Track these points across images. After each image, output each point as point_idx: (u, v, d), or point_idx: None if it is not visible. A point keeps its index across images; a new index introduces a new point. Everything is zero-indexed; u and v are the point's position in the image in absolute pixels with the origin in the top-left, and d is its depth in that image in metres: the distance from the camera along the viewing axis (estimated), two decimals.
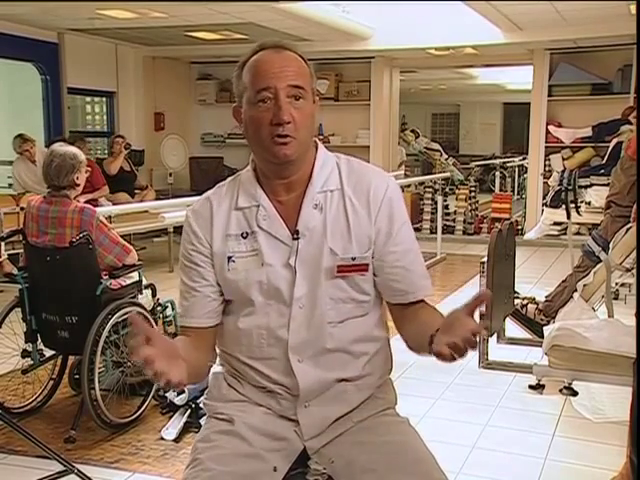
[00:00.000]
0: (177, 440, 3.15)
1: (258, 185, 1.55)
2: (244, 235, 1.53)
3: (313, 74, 1.54)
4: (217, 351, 1.64)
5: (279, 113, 1.44)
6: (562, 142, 8.67)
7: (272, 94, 1.45)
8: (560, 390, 3.57)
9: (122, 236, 3.53)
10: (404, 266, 1.55)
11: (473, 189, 10.12)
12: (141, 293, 3.53)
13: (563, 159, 8.50)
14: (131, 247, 3.42)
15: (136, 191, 7.86)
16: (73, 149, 3.34)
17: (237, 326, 1.55)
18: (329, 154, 1.59)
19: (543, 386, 3.69)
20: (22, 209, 3.34)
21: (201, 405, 3.24)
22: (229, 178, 1.63)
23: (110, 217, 5.43)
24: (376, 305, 1.60)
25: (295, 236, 1.51)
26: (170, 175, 9.49)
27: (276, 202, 1.54)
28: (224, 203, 1.56)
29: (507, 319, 4.09)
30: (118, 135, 8.08)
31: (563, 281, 4.37)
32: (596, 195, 6.98)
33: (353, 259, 1.51)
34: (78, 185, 3.30)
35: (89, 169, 3.48)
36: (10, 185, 7.07)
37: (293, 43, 1.55)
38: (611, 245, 3.80)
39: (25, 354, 3.41)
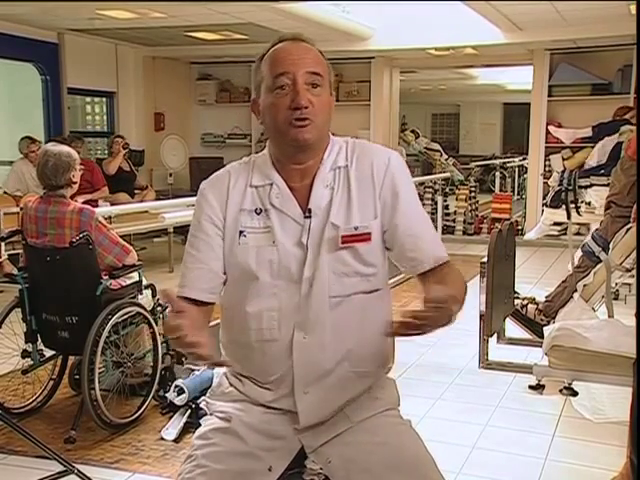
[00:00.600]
0: (177, 440, 3.14)
1: (273, 167, 1.57)
2: (257, 211, 1.55)
3: (330, 68, 1.57)
4: (222, 350, 1.63)
5: (297, 98, 1.46)
6: (562, 142, 8.63)
7: (290, 80, 1.47)
8: (560, 390, 3.57)
9: (122, 236, 3.53)
10: (414, 234, 1.56)
11: (473, 189, 10.12)
12: (141, 293, 3.53)
13: (563, 159, 8.47)
14: (130, 247, 3.42)
15: (136, 191, 7.85)
16: (66, 148, 3.35)
17: (245, 310, 1.54)
18: (339, 139, 1.62)
19: (543, 386, 3.69)
20: (22, 209, 3.34)
21: (201, 405, 3.23)
22: (244, 158, 1.65)
23: (110, 217, 5.44)
24: (385, 284, 1.60)
25: (307, 215, 1.52)
26: (170, 175, 9.49)
27: (289, 187, 1.55)
28: (241, 179, 1.58)
29: (507, 319, 4.09)
30: (117, 135, 8.07)
31: (563, 281, 4.36)
32: (596, 195, 6.97)
33: (355, 228, 1.52)
34: (75, 183, 3.30)
35: (83, 167, 3.48)
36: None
37: (311, 38, 1.57)
38: (611, 245, 3.80)
39: (25, 354, 3.41)
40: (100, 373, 3.24)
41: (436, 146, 15.00)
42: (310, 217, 1.52)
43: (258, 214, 1.54)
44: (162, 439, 3.16)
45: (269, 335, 1.53)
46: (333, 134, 1.60)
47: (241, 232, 1.53)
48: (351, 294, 1.53)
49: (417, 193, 1.65)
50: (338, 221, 1.52)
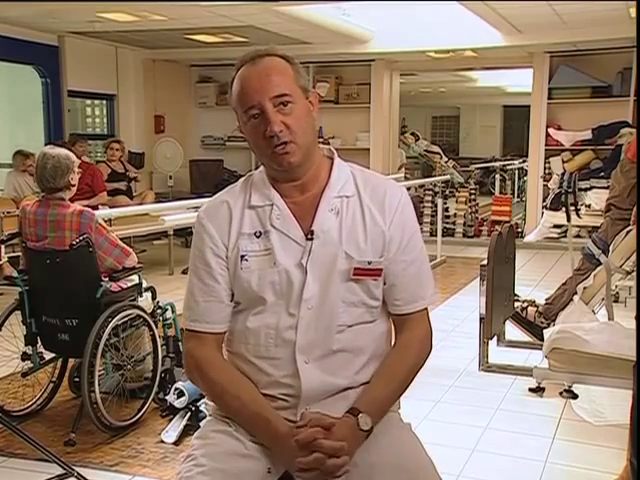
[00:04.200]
0: (177, 443, 3.14)
1: (271, 186, 1.57)
2: (257, 234, 1.55)
3: (299, 71, 1.55)
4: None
5: (269, 126, 1.47)
6: (562, 145, 8.67)
7: (259, 109, 1.48)
8: (560, 393, 3.57)
9: (122, 239, 3.53)
10: (409, 275, 1.58)
11: (473, 192, 10.11)
12: (141, 296, 3.53)
13: (563, 162, 8.50)
14: (130, 249, 3.42)
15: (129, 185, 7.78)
16: (64, 150, 3.34)
17: (246, 325, 1.56)
18: (343, 163, 1.63)
19: (543, 389, 3.68)
20: (20, 213, 3.35)
21: (201, 408, 3.24)
22: (242, 179, 1.65)
23: (110, 220, 5.44)
24: (384, 314, 1.62)
25: (309, 237, 1.53)
26: (170, 178, 9.49)
27: (290, 203, 1.56)
28: (238, 202, 1.58)
29: (507, 322, 4.09)
30: (115, 140, 7.94)
31: (563, 284, 4.36)
32: (596, 198, 6.98)
33: (369, 263, 1.53)
34: (73, 186, 3.29)
35: (81, 170, 3.48)
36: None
37: (273, 47, 1.56)
38: (611, 248, 3.80)
39: (25, 357, 3.41)
40: (100, 376, 3.23)
41: (436, 148, 15.04)
42: (312, 239, 1.53)
43: (258, 237, 1.54)
44: (162, 442, 3.16)
45: (265, 352, 1.54)
46: (325, 143, 1.60)
47: (242, 256, 1.54)
48: (355, 324, 1.55)
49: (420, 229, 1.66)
50: (352, 252, 1.53)
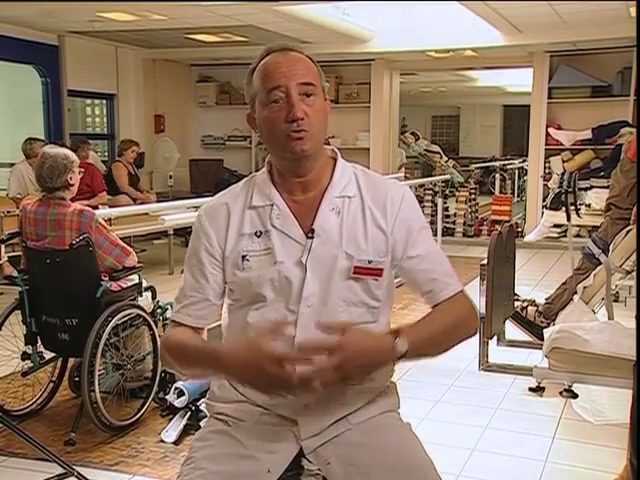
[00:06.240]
0: (177, 443, 3.14)
1: (273, 186, 1.57)
2: (258, 234, 1.55)
3: (322, 73, 1.58)
4: None
5: (293, 110, 1.47)
6: (562, 144, 8.67)
7: (283, 93, 1.48)
8: (560, 392, 3.57)
9: (122, 238, 3.54)
10: (426, 269, 1.57)
11: (473, 191, 10.11)
12: (141, 295, 3.54)
13: (563, 161, 8.50)
14: (130, 249, 3.42)
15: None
16: (64, 150, 3.34)
17: (246, 320, 1.56)
18: (347, 164, 1.63)
19: (543, 388, 3.68)
20: (21, 212, 3.35)
21: (201, 407, 3.24)
22: (244, 179, 1.65)
23: (110, 219, 5.44)
24: (384, 313, 1.62)
25: (310, 235, 1.53)
26: (170, 177, 9.49)
27: (291, 202, 1.56)
28: (239, 202, 1.58)
29: (507, 321, 4.09)
30: (134, 142, 7.91)
31: (563, 283, 4.37)
32: (596, 197, 6.98)
33: (369, 262, 1.53)
34: (72, 185, 3.29)
35: (82, 170, 3.48)
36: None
37: (299, 45, 1.57)
38: (611, 247, 3.80)
39: (25, 356, 3.41)
40: (100, 375, 3.24)
41: (436, 148, 15.05)
42: (312, 237, 1.53)
43: (258, 237, 1.55)
44: (162, 441, 3.16)
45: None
46: (325, 142, 1.60)
47: (244, 257, 1.54)
48: (355, 324, 1.54)
49: (429, 226, 1.66)
50: (352, 251, 1.53)
